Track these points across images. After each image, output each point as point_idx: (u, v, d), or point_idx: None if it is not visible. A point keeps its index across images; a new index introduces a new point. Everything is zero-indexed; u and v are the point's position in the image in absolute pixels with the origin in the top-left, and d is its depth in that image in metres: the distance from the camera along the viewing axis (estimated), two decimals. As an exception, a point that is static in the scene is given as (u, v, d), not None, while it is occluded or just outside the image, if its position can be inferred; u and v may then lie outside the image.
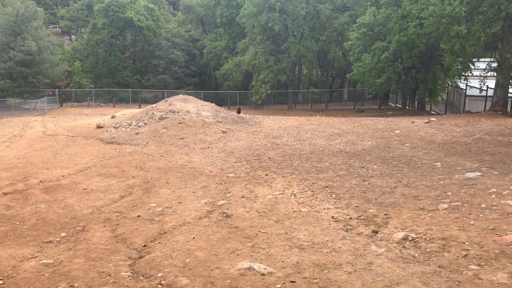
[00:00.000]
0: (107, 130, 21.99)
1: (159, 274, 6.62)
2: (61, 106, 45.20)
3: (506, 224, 7.51)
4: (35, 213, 9.88)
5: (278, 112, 39.34)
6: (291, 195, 10.74)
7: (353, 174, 12.31)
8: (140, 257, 7.43)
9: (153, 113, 22.85)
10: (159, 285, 6.30)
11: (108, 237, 8.40)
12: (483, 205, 8.63)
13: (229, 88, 49.81)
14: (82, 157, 16.16)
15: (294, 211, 9.52)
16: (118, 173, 13.67)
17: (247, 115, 27.79)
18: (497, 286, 5.67)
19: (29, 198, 11.10)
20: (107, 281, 6.42)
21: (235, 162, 14.84)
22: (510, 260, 6.35)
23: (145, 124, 21.84)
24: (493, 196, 9.15)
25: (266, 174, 12.93)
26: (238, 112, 31.37)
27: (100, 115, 32.08)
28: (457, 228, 7.63)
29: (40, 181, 12.76)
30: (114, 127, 22.40)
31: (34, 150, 17.75)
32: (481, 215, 8.11)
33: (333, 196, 10.42)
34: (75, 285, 6.31)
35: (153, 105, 25.29)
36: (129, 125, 22.20)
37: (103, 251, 7.67)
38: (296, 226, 8.56)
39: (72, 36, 72.87)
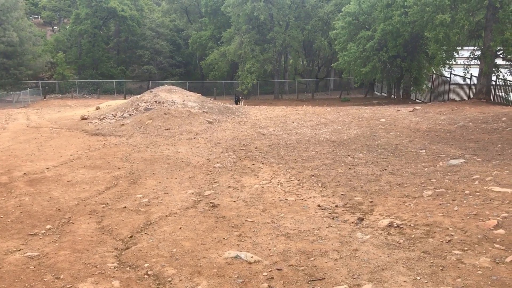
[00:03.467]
0: (91, 122, 21.77)
1: (146, 265, 6.61)
2: (44, 98, 44.60)
3: (488, 210, 7.64)
4: (19, 205, 9.76)
5: (264, 102, 39.31)
6: (278, 184, 10.77)
7: (339, 163, 12.38)
8: (127, 248, 7.40)
9: (138, 104, 22.65)
10: (145, 275, 6.29)
11: (94, 229, 8.35)
12: (466, 192, 8.75)
13: (215, 78, 49.58)
14: (66, 149, 15.99)
15: (281, 200, 9.55)
16: (103, 164, 13.56)
17: (244, 105, 28.18)
18: (479, 270, 5.77)
19: (13, 190, 10.96)
20: (93, 272, 6.39)
21: (222, 152, 14.81)
22: (492, 244, 6.46)
23: (130, 115, 21.66)
24: (477, 182, 9.28)
25: (253, 164, 12.94)
26: (237, 100, 32.52)
27: (85, 107, 31.72)
28: (441, 214, 7.73)
29: (24, 173, 12.60)
30: (99, 118, 22.17)
31: (17, 143, 17.51)
32: (464, 201, 8.23)
33: (319, 184, 10.48)
34: (61, 277, 6.27)
35: (138, 96, 25.06)
36: (114, 117, 22.00)
37: (89, 242, 7.62)
38: (282, 214, 8.60)
39: (54, 27, 71.70)
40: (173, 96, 23.29)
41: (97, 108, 26.21)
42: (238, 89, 44.14)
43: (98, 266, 6.64)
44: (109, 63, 55.22)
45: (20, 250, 7.35)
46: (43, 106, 35.88)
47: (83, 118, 22.78)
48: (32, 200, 10.12)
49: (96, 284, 6.03)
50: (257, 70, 44.36)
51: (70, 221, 8.78)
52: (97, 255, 7.08)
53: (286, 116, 21.68)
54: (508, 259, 5.96)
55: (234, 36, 45.49)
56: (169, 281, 6.05)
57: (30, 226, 8.54)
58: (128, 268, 6.58)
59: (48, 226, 8.50)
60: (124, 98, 37.80)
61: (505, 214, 7.32)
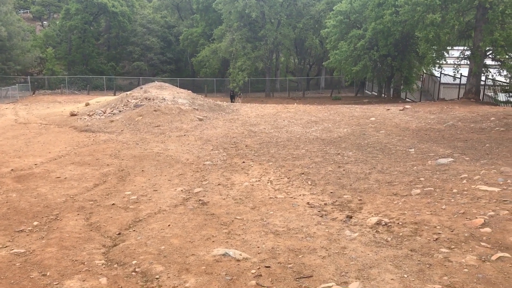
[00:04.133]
0: (81, 118, 21.60)
1: (134, 262, 6.57)
2: (33, 93, 44.19)
3: (476, 208, 7.70)
4: (6, 202, 9.66)
5: (255, 99, 39.29)
6: (268, 182, 10.77)
7: (329, 161, 12.41)
8: (115, 245, 7.36)
9: (128, 101, 22.53)
10: (133, 273, 6.26)
11: (81, 226, 8.29)
12: (454, 190, 8.82)
13: (206, 75, 49.48)
14: (55, 145, 15.85)
15: (270, 197, 9.56)
16: (92, 161, 13.47)
17: (240, 102, 28.16)
18: (465, 268, 5.82)
19: (0, 187, 10.84)
20: (80, 269, 6.35)
21: (212, 149, 14.78)
22: (478, 243, 6.52)
23: (119, 111, 21.53)
24: (464, 181, 9.36)
25: (243, 162, 12.93)
26: (233, 97, 32.03)
27: (74, 103, 31.47)
28: (429, 213, 7.78)
29: (12, 169, 12.47)
30: (88, 114, 22.01)
31: (5, 139, 17.33)
32: (452, 200, 8.29)
33: (309, 182, 10.50)
34: (48, 273, 6.21)
35: (128, 93, 24.92)
36: (104, 113, 21.85)
37: (76, 239, 7.57)
38: (272, 212, 8.60)
39: (44, 22, 70.96)
40: (164, 93, 23.19)
41: (87, 104, 26.03)
42: (232, 85, 44.00)
43: (85, 263, 6.59)
44: (99, 59, 54.84)
45: (6, 247, 7.28)
46: (32, 102, 35.54)
47: (73, 114, 22.61)
48: (20, 197, 10.02)
49: (83, 281, 5.99)
50: (249, 68, 44.30)
51: (58, 218, 8.71)
52: (85, 252, 7.03)
53: (277, 114, 21.69)
54: (494, 257, 6.02)
55: (226, 33, 45.40)
56: (157, 278, 6.03)
57: (17, 222, 8.46)
58: (115, 265, 6.54)
59: (35, 223, 8.42)
60: (114, 95, 37.56)
61: (492, 213, 7.38)
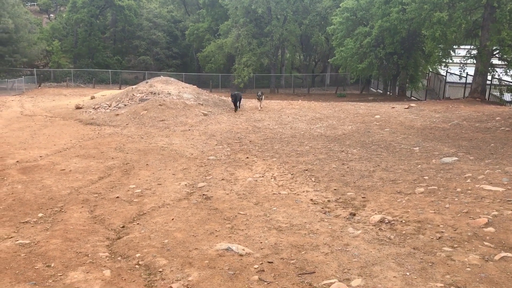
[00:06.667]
0: (86, 111, 21.68)
1: (137, 255, 6.61)
2: (39, 86, 44.33)
3: (479, 208, 7.69)
4: (12, 193, 9.73)
5: (260, 95, 39.20)
6: (271, 178, 10.79)
7: (333, 158, 12.41)
8: (118, 238, 7.41)
9: (133, 95, 22.57)
10: (137, 265, 6.30)
11: (86, 218, 8.34)
12: (458, 189, 8.80)
13: (211, 70, 49.44)
14: (60, 138, 15.92)
15: (274, 193, 9.57)
16: (97, 154, 13.52)
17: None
18: (468, 267, 5.82)
19: (5, 178, 10.92)
20: (84, 261, 6.39)
21: (216, 144, 14.81)
22: (482, 242, 6.51)
23: (125, 105, 21.58)
24: (468, 180, 9.34)
25: (247, 157, 12.95)
26: (236, 102, 21.85)
27: (80, 96, 31.56)
28: (433, 211, 7.78)
29: (17, 161, 12.55)
30: (94, 108, 22.08)
31: (11, 130, 17.42)
32: (456, 199, 8.28)
33: (313, 179, 10.50)
34: (52, 265, 6.26)
35: (134, 87, 24.97)
36: (109, 106, 21.91)
37: (80, 231, 7.62)
38: (275, 208, 8.62)
39: (50, 15, 71.09)
40: (169, 88, 23.22)
41: (92, 98, 26.10)
42: (236, 80, 43.80)
43: (89, 255, 6.64)
44: (105, 53, 54.86)
45: (11, 237, 7.34)
46: (37, 94, 35.66)
47: (78, 107, 22.68)
48: (25, 188, 10.09)
49: (87, 273, 6.03)
50: (254, 64, 44.22)
51: (62, 210, 8.77)
52: (89, 244, 7.08)
53: (282, 110, 21.68)
54: (497, 257, 6.01)
55: (232, 28, 45.31)
56: (160, 271, 6.07)
57: (22, 214, 8.52)
58: (119, 258, 6.59)
59: (40, 215, 8.48)
60: (120, 88, 37.63)
61: (496, 213, 7.37)
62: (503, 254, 6.07)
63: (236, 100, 22.04)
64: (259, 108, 22.32)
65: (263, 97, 23.16)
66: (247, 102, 25.00)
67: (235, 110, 21.81)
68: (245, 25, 44.28)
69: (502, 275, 5.59)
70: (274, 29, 44.08)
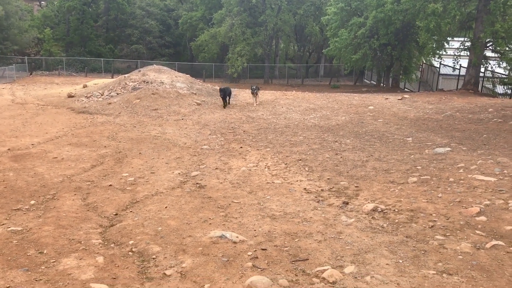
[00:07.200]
0: (78, 100, 21.51)
1: (131, 242, 6.60)
2: (30, 74, 43.88)
3: (472, 197, 7.75)
4: (3, 180, 9.64)
5: (253, 86, 39.08)
6: (265, 168, 10.79)
7: (326, 148, 12.42)
8: (111, 225, 7.38)
9: (126, 83, 22.41)
10: (130, 252, 6.28)
11: (78, 206, 8.30)
12: (451, 179, 8.86)
13: (204, 60, 49.15)
14: (52, 126, 15.80)
15: (268, 182, 9.58)
16: (89, 142, 13.44)
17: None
18: (460, 255, 5.87)
19: (-4, 166, 10.82)
20: (77, 248, 6.37)
21: (210, 134, 14.77)
22: (474, 230, 6.57)
23: (117, 94, 21.43)
24: (461, 170, 9.39)
25: (241, 147, 12.93)
26: (225, 98, 19.81)
27: (72, 85, 31.29)
28: (425, 201, 7.83)
29: (9, 149, 12.44)
30: (86, 96, 21.91)
31: (2, 118, 17.24)
32: (448, 189, 8.33)
33: (306, 168, 10.52)
34: (45, 251, 6.23)
35: (126, 75, 24.78)
36: (101, 95, 21.75)
37: (73, 219, 7.58)
38: (269, 197, 8.63)
39: (42, 2, 70.01)
40: (162, 77, 23.08)
41: (84, 86, 25.88)
42: (230, 71, 43.54)
43: (82, 242, 6.61)
44: (98, 41, 54.33)
45: (3, 224, 7.28)
46: (29, 83, 35.31)
47: (70, 96, 22.50)
48: (16, 176, 10.01)
49: (80, 259, 6.01)
50: (248, 54, 44.03)
51: (55, 197, 8.71)
52: (82, 231, 7.05)
53: (276, 101, 21.64)
54: (488, 245, 6.07)
55: (225, 17, 45.01)
56: (153, 258, 6.06)
57: (14, 201, 8.45)
58: (112, 245, 6.57)
59: (32, 202, 8.42)
60: (112, 77, 37.33)
61: (488, 202, 7.44)
62: (494, 242, 6.13)
63: (225, 95, 20.29)
64: (255, 104, 20.57)
65: (258, 92, 21.33)
66: (241, 93, 24.90)
67: (224, 106, 20.07)
68: (239, 14, 44.01)
69: (493, 262, 5.64)
70: (268, 18, 43.85)
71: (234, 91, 24.16)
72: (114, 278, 5.51)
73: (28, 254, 6.16)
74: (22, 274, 5.54)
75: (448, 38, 28.84)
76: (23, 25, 46.01)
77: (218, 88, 20.90)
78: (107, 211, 8.04)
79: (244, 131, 15.03)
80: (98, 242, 6.63)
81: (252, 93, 20.86)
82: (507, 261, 5.65)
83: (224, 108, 19.76)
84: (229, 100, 20.58)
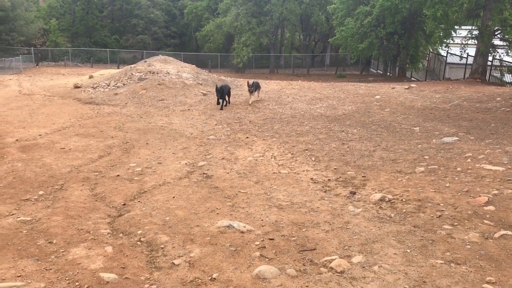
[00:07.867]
0: (84, 90, 21.54)
1: (139, 232, 6.64)
2: (37, 65, 44.02)
3: (479, 187, 7.71)
4: (12, 171, 9.72)
5: (259, 76, 39.03)
6: (271, 157, 10.79)
7: (333, 138, 12.39)
8: (120, 215, 7.43)
9: (132, 74, 22.42)
10: (138, 242, 6.33)
11: (87, 196, 8.35)
12: (458, 169, 8.82)
13: (210, 50, 49.07)
14: (59, 117, 15.86)
15: (274, 172, 9.58)
16: (96, 133, 13.48)
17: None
18: (468, 245, 5.86)
19: (5, 156, 10.89)
20: (86, 238, 6.42)
21: (216, 124, 14.77)
22: (481, 220, 6.55)
23: (123, 84, 21.44)
24: (469, 160, 9.35)
25: (247, 137, 12.93)
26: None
27: (78, 75, 31.35)
28: (433, 190, 7.80)
29: (17, 140, 12.51)
30: (92, 87, 21.94)
31: (9, 109, 17.32)
32: (456, 178, 8.30)
33: (313, 158, 10.50)
34: (54, 241, 6.29)
35: (132, 66, 24.78)
36: (108, 86, 21.77)
37: (82, 209, 7.63)
38: (275, 187, 8.63)
39: (47, -7, 70.07)
40: (168, 67, 23.05)
41: (90, 77, 25.92)
42: (235, 60, 43.34)
43: (91, 232, 6.66)
44: (103, 32, 54.36)
45: (12, 214, 7.35)
46: (35, 74, 35.41)
47: (76, 87, 22.53)
48: (25, 166, 10.07)
49: (89, 249, 6.06)
50: (253, 43, 43.89)
51: (63, 188, 8.77)
52: (90, 221, 7.10)
53: (281, 91, 21.58)
54: (496, 235, 6.05)
55: (231, 7, 44.82)
56: (162, 248, 6.10)
57: (22, 191, 8.52)
58: (121, 235, 6.61)
59: (40, 192, 8.49)
60: (118, 68, 37.36)
61: (496, 192, 7.40)
62: (502, 232, 6.11)
63: (223, 95, 17.13)
64: (250, 102, 18.00)
65: (259, 91, 18.57)
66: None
67: (221, 107, 17.06)
68: (244, 3, 43.79)
69: (502, 252, 5.63)
70: (273, 7, 43.60)
71: (240, 81, 24.08)
72: (123, 268, 5.55)
73: (37, 244, 6.22)
74: (32, 264, 5.60)
75: (456, 27, 28.57)
76: (29, 16, 46.10)
77: (215, 87, 17.80)
78: (115, 201, 8.09)
79: (250, 121, 15.01)
80: (106, 232, 6.68)
81: (249, 91, 17.99)
82: (516, 251, 5.64)
83: (221, 109, 16.98)
84: (229, 99, 17.90)
